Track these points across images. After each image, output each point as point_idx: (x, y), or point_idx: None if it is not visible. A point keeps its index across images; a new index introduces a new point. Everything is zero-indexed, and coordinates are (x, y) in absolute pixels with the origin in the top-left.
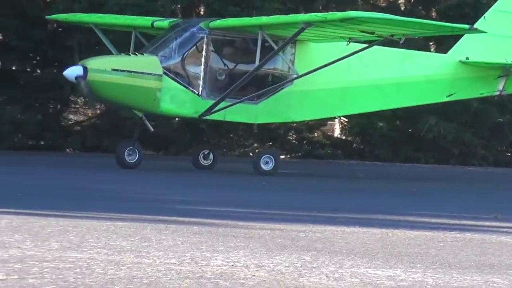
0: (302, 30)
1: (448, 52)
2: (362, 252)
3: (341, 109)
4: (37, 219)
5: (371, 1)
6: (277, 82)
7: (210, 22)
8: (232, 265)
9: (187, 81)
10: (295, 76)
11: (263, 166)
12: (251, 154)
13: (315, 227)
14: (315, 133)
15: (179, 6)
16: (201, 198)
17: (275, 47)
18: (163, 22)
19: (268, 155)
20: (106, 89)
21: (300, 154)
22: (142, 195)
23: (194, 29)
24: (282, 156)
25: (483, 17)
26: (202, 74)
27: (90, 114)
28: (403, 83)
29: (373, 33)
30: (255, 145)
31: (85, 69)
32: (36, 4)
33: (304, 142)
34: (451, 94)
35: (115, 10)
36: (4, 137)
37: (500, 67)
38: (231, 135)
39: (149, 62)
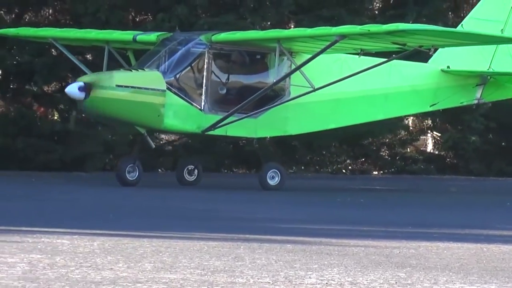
0: (334, 43)
1: (429, 61)
2: (457, 268)
3: (334, 121)
4: (130, 240)
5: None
6: (274, 95)
7: (212, 35)
8: (326, 283)
9: (189, 97)
10: (311, 89)
11: (270, 181)
12: (343, 170)
13: (409, 243)
14: (408, 149)
15: (269, 23)
16: (291, 216)
17: (292, 61)
18: (148, 36)
19: (274, 170)
20: (110, 106)
21: (393, 170)
22: (230, 213)
23: (194, 43)
24: (375, 172)
25: (460, 25)
26: (204, 89)
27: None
28: (391, 94)
29: (404, 44)
30: (348, 161)
31: (87, 86)
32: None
33: (397, 157)
34: (435, 104)
35: (205, 28)
36: (96, 158)
37: (478, 75)
38: (324, 152)
39: (152, 78)
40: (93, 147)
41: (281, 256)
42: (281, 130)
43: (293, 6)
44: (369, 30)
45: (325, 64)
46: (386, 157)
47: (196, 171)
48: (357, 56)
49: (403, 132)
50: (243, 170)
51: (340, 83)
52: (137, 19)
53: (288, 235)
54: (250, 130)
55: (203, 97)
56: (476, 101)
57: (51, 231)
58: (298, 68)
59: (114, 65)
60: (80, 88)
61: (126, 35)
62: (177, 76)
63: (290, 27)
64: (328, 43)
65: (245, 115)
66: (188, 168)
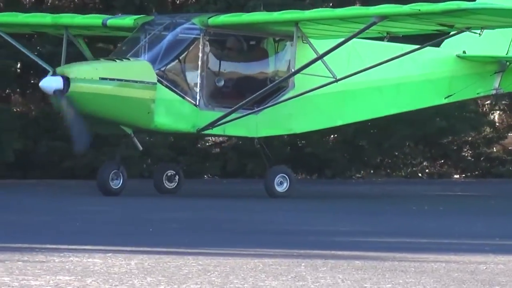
0: (371, 25)
1: (441, 46)
2: None
3: (341, 117)
4: (173, 258)
5: None
6: (275, 88)
7: (208, 18)
8: None
9: (182, 90)
10: (333, 79)
11: (277, 188)
12: (419, 174)
13: (497, 258)
14: (494, 148)
15: (331, 4)
16: (359, 227)
17: (314, 48)
18: (123, 20)
19: (282, 174)
20: (93, 102)
21: (476, 172)
22: (287, 226)
23: (185, 27)
24: (456, 176)
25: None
26: (199, 80)
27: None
28: (403, 84)
29: (452, 26)
30: (425, 163)
31: (66, 79)
32: None
33: (482, 158)
34: (450, 95)
35: (250, 10)
36: (132, 163)
37: (497, 61)
38: (396, 153)
39: (141, 69)
40: (127, 151)
41: (349, 275)
42: (285, 128)
43: None
44: (419, 10)
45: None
46: (469, 158)
47: (177, 177)
48: (365, 40)
49: (488, 129)
50: (302, 175)
51: (349, 72)
52: (177, 2)
53: (356, 250)
54: (250, 129)
55: (198, 90)
56: (494, 91)
57: (80, 248)
58: (321, 56)
59: (74, 57)
60: (56, 82)
61: (91, 19)
62: (168, 66)
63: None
64: (361, 25)
65: (249, 111)
66: (167, 174)
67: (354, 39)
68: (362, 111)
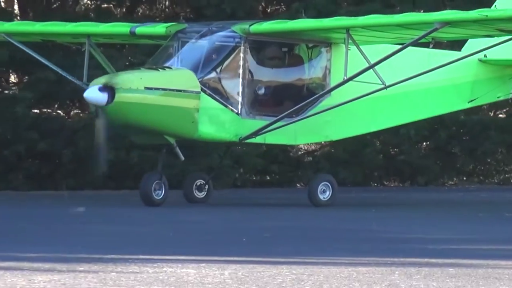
0: (432, 31)
1: (462, 49)
2: None
3: (375, 123)
4: (266, 267)
5: None
6: (310, 94)
7: (250, 25)
8: None
9: (225, 99)
10: (382, 86)
11: (321, 196)
12: None
13: None
14: None
15: (422, 11)
16: (451, 234)
17: (363, 53)
18: (153, 28)
19: (325, 182)
20: (138, 112)
21: None
22: (380, 233)
23: (225, 35)
24: None
25: (494, 5)
26: (240, 89)
27: (323, 142)
28: (431, 89)
29: (511, 31)
30: None
31: (110, 88)
32: None
33: None
34: (473, 100)
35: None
36: (223, 172)
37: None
38: (489, 160)
39: (185, 78)
40: (217, 161)
41: (443, 283)
42: (322, 135)
43: None
44: (487, 16)
45: (354, 57)
46: None
47: (206, 186)
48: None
49: None
50: (395, 183)
51: (373, 79)
52: (268, 10)
53: (449, 257)
54: (290, 136)
55: (239, 99)
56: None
57: (173, 259)
58: (374, 65)
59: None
60: (101, 91)
61: (117, 27)
62: (210, 74)
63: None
64: (419, 31)
65: (295, 119)
66: (197, 184)
67: (386, 45)
68: (393, 117)
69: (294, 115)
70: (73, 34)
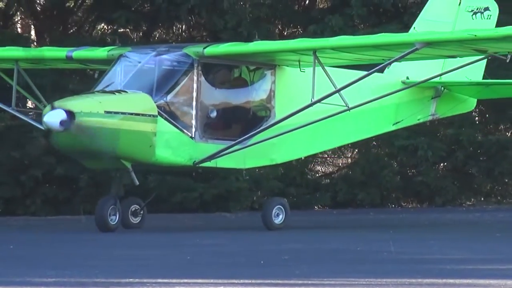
0: (411, 52)
1: (385, 71)
2: None
3: (314, 147)
4: None
5: None
6: (257, 118)
7: (204, 48)
8: None
9: (180, 122)
10: (345, 108)
11: (275, 220)
12: None
13: None
14: None
15: None
16: (468, 255)
17: (331, 78)
18: (92, 52)
19: (278, 206)
20: (98, 137)
21: None
22: (398, 255)
23: (177, 58)
24: None
25: (412, 27)
26: (194, 112)
27: (340, 164)
28: (360, 112)
29: (486, 51)
30: None
31: (70, 114)
32: None
33: None
34: (398, 122)
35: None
36: (241, 196)
37: (433, 87)
38: (506, 180)
39: (142, 101)
40: (238, 183)
41: None
42: (268, 158)
43: None
44: (475, 36)
45: (296, 79)
46: None
47: (142, 212)
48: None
49: None
50: (413, 204)
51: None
52: (285, 33)
53: (467, 278)
54: (239, 160)
55: (193, 122)
56: (430, 117)
57: (191, 282)
58: (340, 89)
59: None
60: (60, 115)
61: (51, 51)
62: (165, 98)
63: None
64: (394, 52)
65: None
66: (131, 209)
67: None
68: (331, 140)
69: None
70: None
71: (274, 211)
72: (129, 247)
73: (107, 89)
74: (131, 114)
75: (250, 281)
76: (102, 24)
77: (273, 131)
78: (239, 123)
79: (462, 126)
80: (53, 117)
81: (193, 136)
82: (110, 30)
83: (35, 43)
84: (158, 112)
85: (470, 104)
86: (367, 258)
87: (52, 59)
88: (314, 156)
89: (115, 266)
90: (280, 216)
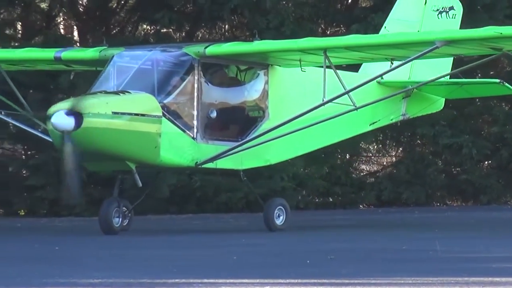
0: (431, 50)
1: (359, 71)
2: None
3: (303, 147)
4: None
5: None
6: (252, 117)
7: (205, 48)
8: None
9: (182, 123)
10: (352, 108)
11: (276, 221)
12: None
13: None
14: None
15: None
16: None
17: (340, 78)
18: (82, 52)
19: (279, 207)
20: (105, 138)
21: None
22: (444, 254)
23: (179, 57)
24: None
25: (383, 26)
26: (195, 112)
27: (385, 163)
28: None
29: (501, 49)
30: None
31: (76, 113)
32: None
33: None
34: (374, 122)
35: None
36: (286, 195)
37: (403, 87)
38: None
39: (147, 101)
40: (283, 182)
41: None
42: (263, 159)
43: (510, 9)
44: (501, 34)
45: (288, 79)
46: None
47: (129, 214)
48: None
49: None
50: (458, 203)
51: (299, 103)
52: (328, 32)
53: None
54: (237, 161)
55: (195, 123)
56: (401, 117)
57: (238, 282)
58: (350, 90)
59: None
60: (68, 115)
61: (38, 52)
62: (168, 98)
63: None
64: (408, 51)
65: (235, 143)
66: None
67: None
68: (320, 140)
69: (240, 139)
70: None
71: (275, 212)
72: (173, 247)
73: (108, 90)
74: (137, 114)
75: (296, 281)
76: (145, 25)
77: (278, 131)
78: (236, 123)
79: (507, 123)
80: (62, 119)
81: (194, 136)
82: (153, 31)
83: (77, 44)
84: (163, 113)
85: (439, 104)
86: (413, 257)
87: (38, 60)
88: (359, 155)
89: (160, 266)
90: (281, 217)
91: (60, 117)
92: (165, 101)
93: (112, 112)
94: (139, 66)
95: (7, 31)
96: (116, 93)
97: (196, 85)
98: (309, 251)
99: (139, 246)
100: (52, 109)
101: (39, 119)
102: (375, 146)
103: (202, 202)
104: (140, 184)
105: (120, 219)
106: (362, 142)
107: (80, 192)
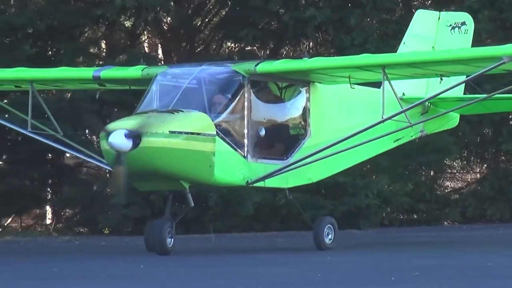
0: (497, 66)
1: (381, 87)
2: None
3: (339, 165)
4: None
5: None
6: (296, 135)
7: (256, 65)
8: None
9: (234, 141)
10: (407, 125)
11: (326, 239)
12: None
13: None
14: None
15: None
16: None
17: (395, 91)
18: (124, 71)
19: (328, 225)
20: (162, 158)
21: None
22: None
23: (228, 75)
24: None
25: (402, 42)
26: (246, 130)
27: (469, 180)
28: (371, 129)
29: None
30: None
31: (134, 133)
32: None
33: None
34: (398, 139)
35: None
36: (371, 212)
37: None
38: None
39: (201, 120)
40: (367, 200)
41: None
42: (305, 177)
43: None
44: None
45: (328, 96)
46: None
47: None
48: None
49: None
50: None
51: (338, 120)
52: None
53: None
54: (283, 180)
55: (245, 141)
56: (420, 133)
57: None
58: (407, 109)
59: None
60: (126, 136)
61: (74, 72)
62: (220, 117)
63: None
64: (478, 68)
65: (281, 161)
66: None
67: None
68: (354, 157)
69: (285, 157)
70: (14, 80)
71: (325, 230)
72: (258, 265)
73: (162, 109)
74: (193, 133)
75: None
76: (229, 42)
77: (307, 150)
78: (280, 141)
79: None
80: (121, 138)
81: (245, 155)
82: (237, 48)
83: (162, 62)
84: (216, 132)
85: (454, 120)
86: (497, 274)
87: (75, 80)
88: (443, 171)
89: (245, 284)
90: (330, 236)
91: (118, 137)
92: (217, 120)
93: (169, 131)
94: (187, 84)
95: (91, 50)
96: (171, 112)
97: (246, 103)
98: (394, 268)
99: (223, 264)
100: (110, 127)
101: (69, 139)
102: (460, 163)
103: (287, 219)
104: (192, 204)
105: (172, 239)
106: (446, 159)
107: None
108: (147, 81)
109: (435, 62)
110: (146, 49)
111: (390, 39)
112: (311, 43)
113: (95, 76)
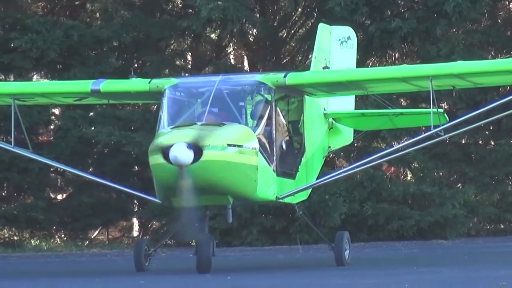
0: None
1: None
2: None
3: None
4: None
5: None
6: (296, 149)
7: (284, 77)
8: None
9: (268, 155)
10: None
11: (345, 254)
12: None
13: None
14: None
15: None
16: None
17: (433, 98)
18: (127, 84)
19: (345, 241)
20: (221, 171)
21: None
22: None
23: (257, 87)
24: None
25: (314, 56)
26: (274, 145)
27: None
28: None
29: None
30: None
31: (195, 146)
32: None
33: None
34: (324, 156)
35: None
36: (458, 222)
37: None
38: None
39: (247, 133)
40: (454, 209)
41: None
42: (306, 192)
43: None
44: None
45: (311, 109)
46: None
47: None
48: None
49: None
50: None
51: (313, 130)
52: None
53: None
54: (306, 193)
55: (274, 156)
56: (328, 149)
57: None
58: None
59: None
60: (189, 148)
61: (69, 85)
62: (257, 130)
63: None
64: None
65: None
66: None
67: None
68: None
69: (294, 171)
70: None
71: (344, 246)
72: (345, 276)
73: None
74: (242, 146)
75: None
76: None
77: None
78: (291, 156)
79: None
80: (183, 152)
81: (274, 169)
82: None
83: None
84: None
85: (350, 136)
86: None
87: (71, 93)
88: None
89: None
90: (347, 251)
91: (180, 149)
92: (257, 133)
93: (227, 144)
94: (216, 96)
95: (177, 62)
96: (218, 124)
97: (274, 116)
98: (481, 277)
99: (309, 275)
100: (164, 141)
101: None
102: None
103: (374, 230)
104: (231, 220)
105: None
106: None
107: (200, 226)
108: (154, 94)
109: (481, 73)
110: (232, 61)
111: (476, 50)
112: (397, 54)
113: (93, 89)
